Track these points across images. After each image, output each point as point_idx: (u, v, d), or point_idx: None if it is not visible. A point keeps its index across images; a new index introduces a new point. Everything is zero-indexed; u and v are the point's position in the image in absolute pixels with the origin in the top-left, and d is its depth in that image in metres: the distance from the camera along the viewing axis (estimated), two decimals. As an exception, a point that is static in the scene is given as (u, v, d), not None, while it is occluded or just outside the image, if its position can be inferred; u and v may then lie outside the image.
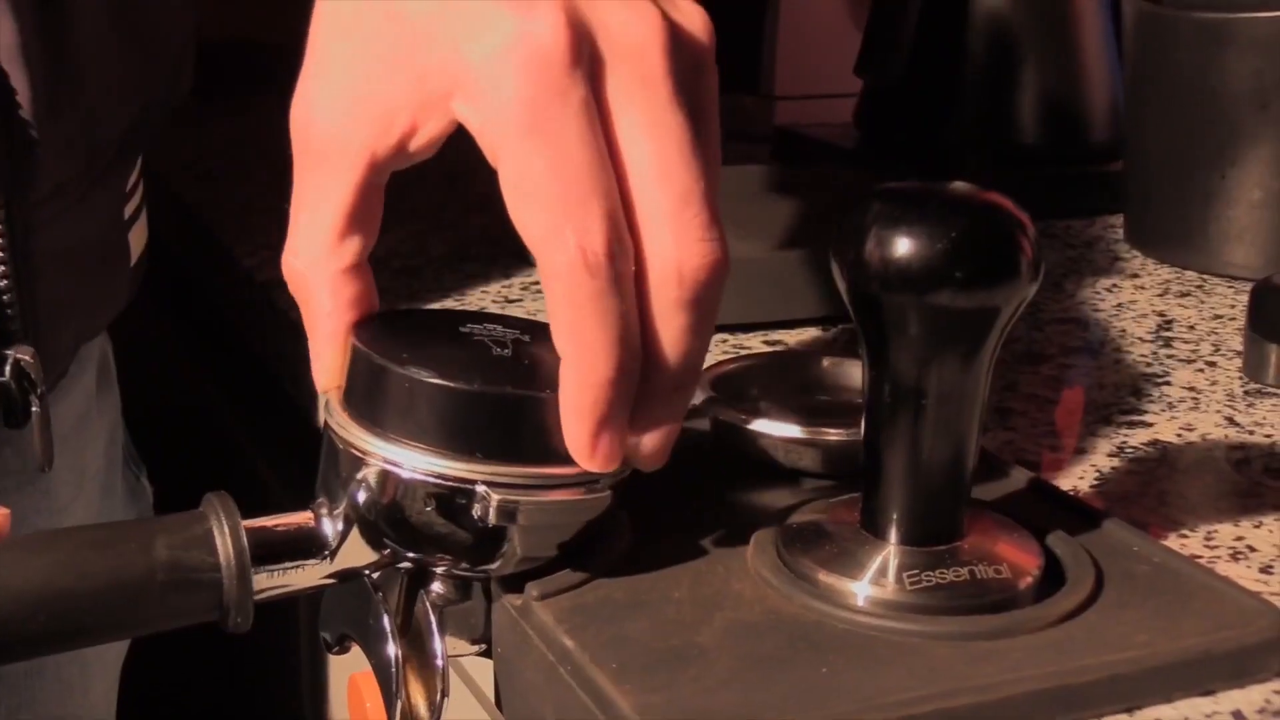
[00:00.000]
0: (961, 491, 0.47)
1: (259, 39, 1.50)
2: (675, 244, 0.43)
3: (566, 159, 0.41)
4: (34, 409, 0.63)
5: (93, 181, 0.67)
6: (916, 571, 0.45)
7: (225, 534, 0.45)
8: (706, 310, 0.44)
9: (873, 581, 0.45)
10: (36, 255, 0.63)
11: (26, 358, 0.62)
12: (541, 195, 0.41)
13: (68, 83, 0.63)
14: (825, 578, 0.46)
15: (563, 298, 0.42)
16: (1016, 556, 0.47)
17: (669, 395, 0.45)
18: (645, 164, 0.42)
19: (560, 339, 0.43)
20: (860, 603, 0.45)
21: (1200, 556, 0.53)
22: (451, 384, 0.45)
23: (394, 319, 0.50)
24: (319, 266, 0.46)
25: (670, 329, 0.44)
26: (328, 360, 0.47)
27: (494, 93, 0.41)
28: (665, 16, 0.43)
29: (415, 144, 0.45)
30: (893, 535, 0.46)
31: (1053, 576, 0.47)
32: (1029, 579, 0.46)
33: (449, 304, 0.81)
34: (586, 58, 0.42)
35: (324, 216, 0.46)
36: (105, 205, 0.70)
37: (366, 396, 0.46)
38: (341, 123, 0.45)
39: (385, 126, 0.44)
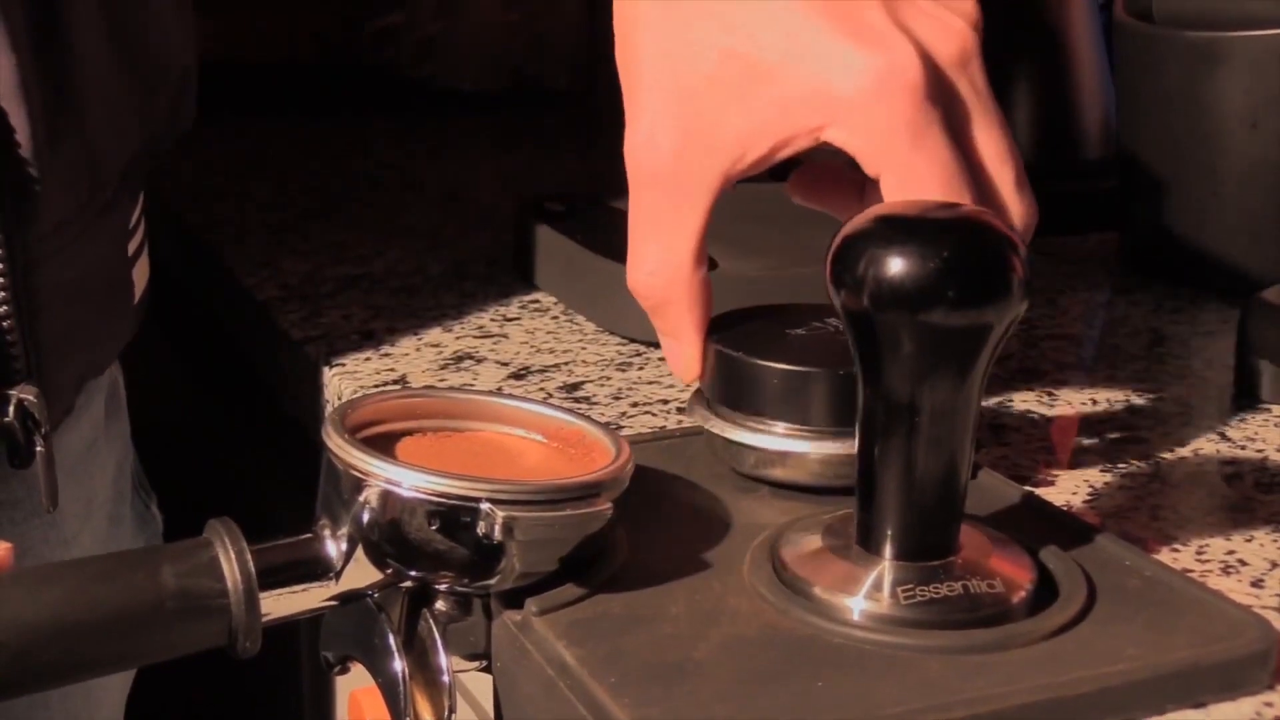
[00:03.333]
0: (955, 507, 0.47)
1: (260, 61, 1.51)
2: (1020, 208, 0.53)
3: (943, 166, 0.50)
4: (39, 449, 0.63)
5: (95, 216, 0.67)
6: (911, 586, 0.46)
7: (231, 560, 0.46)
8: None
9: (868, 596, 0.46)
10: (39, 292, 0.63)
11: (30, 397, 0.62)
12: (927, 196, 0.50)
13: (69, 118, 0.63)
14: (821, 593, 0.47)
15: None
16: (1009, 570, 0.47)
17: None
18: (994, 153, 0.52)
19: None
20: (855, 617, 0.46)
21: (1192, 570, 0.53)
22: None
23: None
24: (683, 281, 0.54)
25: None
26: (693, 355, 0.56)
27: (876, 119, 0.50)
28: (969, 27, 0.53)
29: (764, 166, 0.52)
30: (887, 550, 0.47)
31: (1046, 591, 0.48)
32: (1022, 593, 0.47)
33: (446, 321, 0.82)
34: (937, 80, 0.51)
35: (684, 237, 0.54)
36: (108, 240, 0.70)
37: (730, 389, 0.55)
38: (693, 152, 0.52)
39: (740, 153, 0.52)
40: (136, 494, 0.83)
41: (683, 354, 0.56)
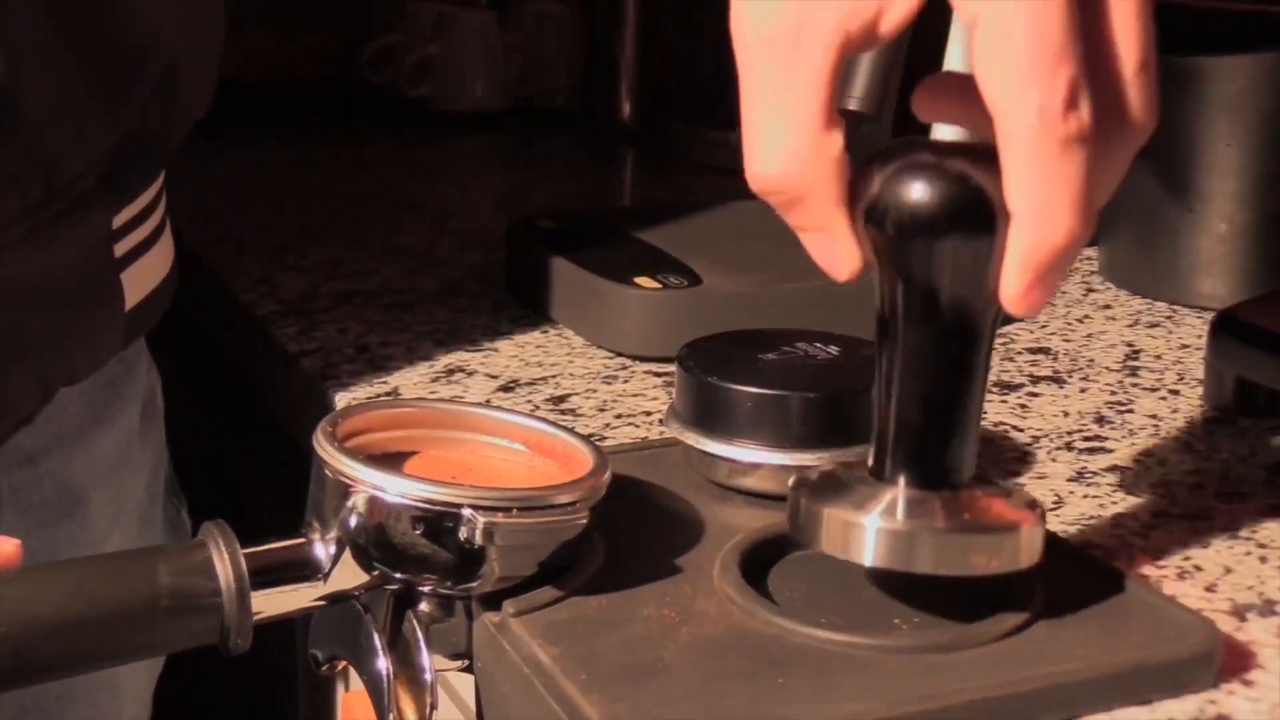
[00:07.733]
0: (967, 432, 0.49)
1: (259, 81, 1.53)
2: (1135, 99, 0.45)
3: (1043, 24, 0.42)
4: None
5: (52, 218, 0.63)
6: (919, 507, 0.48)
7: (224, 560, 0.48)
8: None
9: (882, 515, 0.47)
10: None
11: None
12: (1013, 57, 0.42)
13: (5, 116, 0.59)
14: (836, 512, 0.48)
15: (1022, 158, 0.43)
16: (1007, 513, 0.49)
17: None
18: (1120, 26, 0.44)
19: (1017, 199, 0.44)
20: (870, 533, 0.47)
21: (1149, 575, 0.55)
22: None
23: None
24: (821, 160, 0.45)
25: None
26: (850, 245, 0.47)
27: None
28: None
29: (885, 23, 0.45)
30: (902, 478, 0.48)
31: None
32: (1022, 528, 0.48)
33: (439, 336, 0.84)
34: None
35: (811, 107, 0.45)
36: (79, 243, 0.66)
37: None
38: (806, 9, 0.45)
39: (855, 6, 0.44)
40: (169, 499, 0.83)
41: (837, 248, 0.47)
